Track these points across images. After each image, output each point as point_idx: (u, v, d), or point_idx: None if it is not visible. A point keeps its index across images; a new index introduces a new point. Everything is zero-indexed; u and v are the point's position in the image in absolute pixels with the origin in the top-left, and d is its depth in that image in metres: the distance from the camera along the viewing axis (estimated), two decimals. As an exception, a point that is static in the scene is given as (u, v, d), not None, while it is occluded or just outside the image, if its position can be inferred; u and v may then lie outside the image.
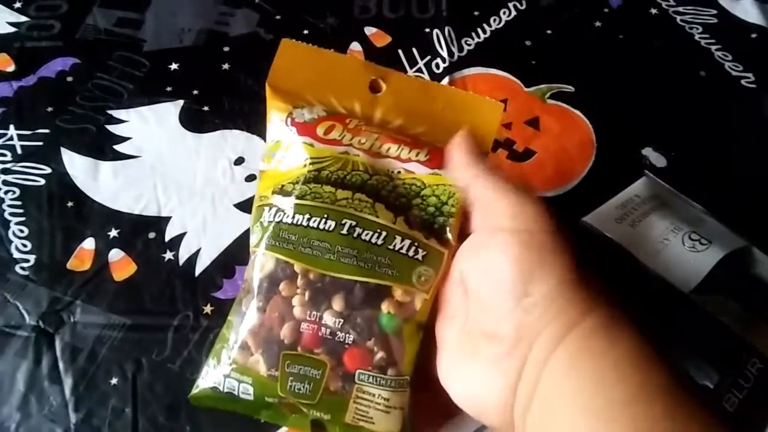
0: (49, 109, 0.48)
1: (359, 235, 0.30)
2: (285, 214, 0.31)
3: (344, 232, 0.30)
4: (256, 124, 0.47)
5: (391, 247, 0.31)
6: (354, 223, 0.31)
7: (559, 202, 0.45)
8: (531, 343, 0.25)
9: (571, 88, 0.51)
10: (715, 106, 0.50)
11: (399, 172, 0.32)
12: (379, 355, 0.30)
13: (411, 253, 0.31)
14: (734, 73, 0.52)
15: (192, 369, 0.38)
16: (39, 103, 0.48)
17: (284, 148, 0.33)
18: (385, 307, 0.30)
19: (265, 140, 0.35)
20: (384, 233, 0.31)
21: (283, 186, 0.32)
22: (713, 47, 0.54)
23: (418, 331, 0.31)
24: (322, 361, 0.30)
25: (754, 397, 0.34)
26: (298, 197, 0.31)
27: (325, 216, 0.31)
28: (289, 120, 0.33)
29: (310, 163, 0.32)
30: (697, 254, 0.38)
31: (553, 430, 0.24)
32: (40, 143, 0.46)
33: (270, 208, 0.32)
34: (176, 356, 0.38)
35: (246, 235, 0.36)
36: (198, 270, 0.41)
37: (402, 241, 0.31)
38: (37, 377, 0.38)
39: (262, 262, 0.31)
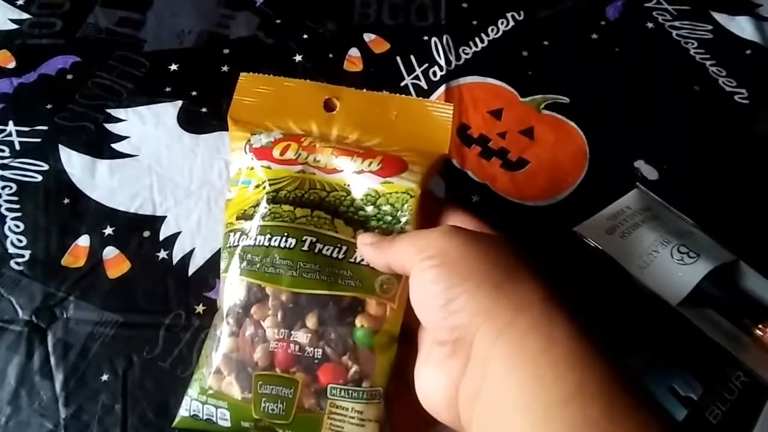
0: (49, 106, 0.48)
1: (320, 250, 0.31)
2: (248, 236, 0.32)
3: (305, 248, 0.31)
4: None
5: (351, 260, 0.31)
6: (314, 239, 0.31)
7: (551, 211, 0.46)
8: (469, 343, 0.26)
9: (566, 99, 0.51)
10: (708, 120, 0.51)
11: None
12: (354, 369, 0.30)
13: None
14: (728, 89, 0.53)
15: (182, 367, 0.38)
16: (38, 100, 0.48)
17: (245, 174, 0.34)
18: (359, 321, 0.30)
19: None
20: (344, 247, 0.31)
21: (245, 211, 0.33)
22: (708, 62, 0.54)
23: (392, 343, 0.31)
24: (293, 379, 0.30)
25: (738, 409, 0.34)
26: (258, 219, 0.32)
27: (286, 234, 0.31)
28: (247, 147, 0.34)
29: (269, 185, 0.32)
30: (685, 267, 0.38)
31: (497, 428, 0.24)
32: (39, 140, 0.46)
33: (234, 233, 0.32)
34: (167, 354, 0.39)
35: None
36: (191, 270, 0.42)
37: None
38: (29, 372, 0.38)
39: (231, 287, 0.32)
